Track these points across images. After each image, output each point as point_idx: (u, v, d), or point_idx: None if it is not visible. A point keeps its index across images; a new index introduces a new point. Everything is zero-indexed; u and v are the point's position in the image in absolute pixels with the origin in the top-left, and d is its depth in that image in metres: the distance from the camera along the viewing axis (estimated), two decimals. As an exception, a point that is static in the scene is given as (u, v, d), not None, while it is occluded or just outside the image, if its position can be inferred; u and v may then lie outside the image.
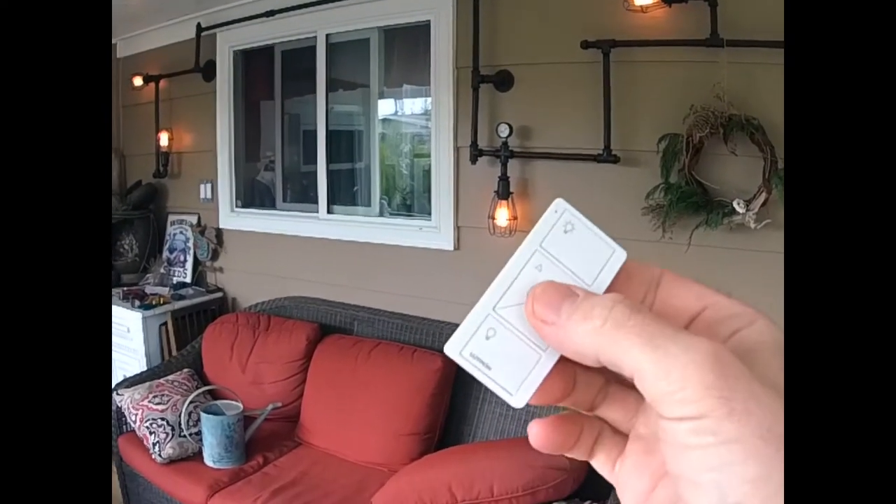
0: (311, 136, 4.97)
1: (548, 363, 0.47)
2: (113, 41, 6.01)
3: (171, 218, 5.83)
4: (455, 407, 3.92)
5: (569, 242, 0.49)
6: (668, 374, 0.40)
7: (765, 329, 0.45)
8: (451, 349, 0.47)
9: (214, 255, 5.51)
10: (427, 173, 4.44)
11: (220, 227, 5.49)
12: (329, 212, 4.91)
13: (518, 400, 0.47)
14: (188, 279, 5.58)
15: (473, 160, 3.96)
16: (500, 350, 0.47)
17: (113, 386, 4.16)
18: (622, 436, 0.50)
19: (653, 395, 0.41)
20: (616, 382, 0.50)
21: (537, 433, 0.49)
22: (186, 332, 5.12)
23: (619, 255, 0.49)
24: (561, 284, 0.47)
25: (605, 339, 0.43)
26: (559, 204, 0.50)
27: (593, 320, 0.43)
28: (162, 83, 5.66)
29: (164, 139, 5.67)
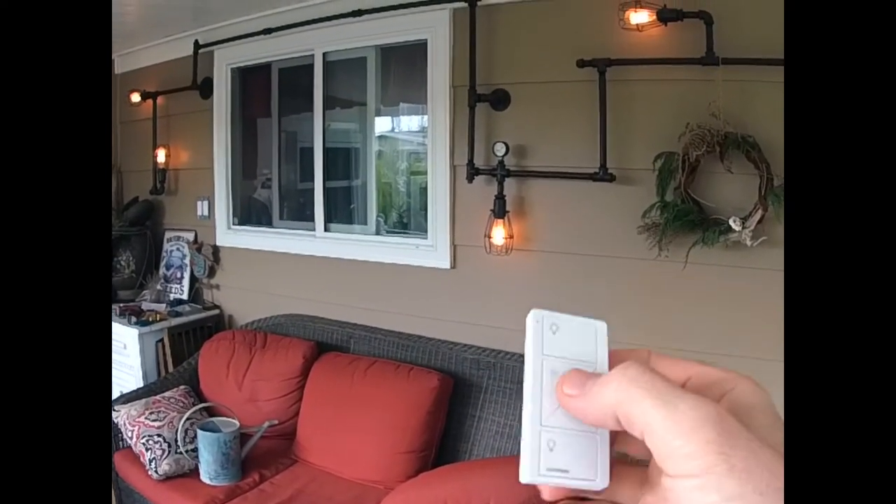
0: (308, 153, 4.97)
1: (605, 440, 0.52)
2: (111, 58, 6.02)
3: (167, 235, 5.83)
4: (451, 425, 3.91)
5: (561, 339, 0.54)
6: (675, 429, 0.43)
7: (750, 390, 0.48)
8: (528, 476, 0.50)
9: (211, 273, 5.51)
10: (423, 191, 4.44)
11: (217, 244, 5.49)
12: (326, 230, 4.91)
13: (602, 482, 0.51)
14: (185, 296, 5.58)
15: (470, 179, 3.97)
16: (567, 452, 0.51)
17: (109, 403, 4.16)
18: None
19: (660, 450, 0.44)
20: (620, 464, 0.53)
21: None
22: (183, 348, 5.11)
23: (601, 326, 0.56)
24: (584, 371, 0.52)
25: (622, 395, 0.46)
26: (537, 314, 0.54)
27: (611, 383, 0.48)
28: (159, 100, 5.67)
29: (161, 156, 5.68)
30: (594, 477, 0.51)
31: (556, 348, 0.53)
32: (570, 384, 0.50)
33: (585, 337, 0.54)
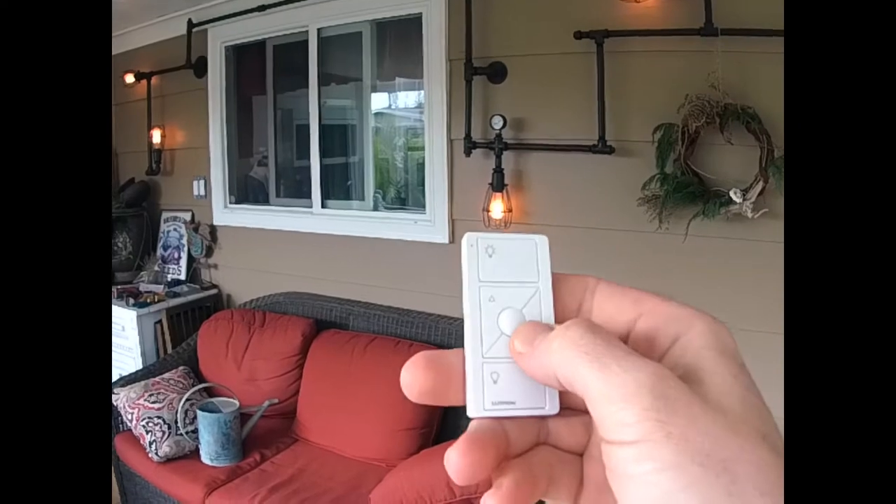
0: (304, 130, 4.95)
1: None
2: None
3: (164, 215, 5.81)
4: (452, 401, 3.89)
5: (497, 262, 0.51)
6: (611, 394, 0.41)
7: (706, 332, 0.45)
8: (474, 411, 0.48)
9: (209, 252, 5.49)
10: (421, 166, 4.43)
11: (214, 223, 5.48)
12: (323, 206, 4.89)
13: (551, 407, 0.49)
14: (183, 276, 5.56)
15: (467, 153, 3.94)
16: (512, 383, 0.48)
17: (108, 385, 4.15)
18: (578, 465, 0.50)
19: (597, 416, 0.42)
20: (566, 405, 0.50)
21: (455, 463, 0.47)
22: (181, 329, 5.10)
23: (541, 241, 0.53)
24: (538, 324, 0.49)
25: (560, 357, 0.44)
26: (469, 237, 0.52)
27: (553, 342, 0.45)
28: (154, 80, 5.64)
29: (156, 136, 5.65)
30: (543, 404, 0.49)
31: (494, 273, 0.51)
32: (522, 339, 0.47)
33: (525, 256, 0.52)
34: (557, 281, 0.51)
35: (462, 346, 0.49)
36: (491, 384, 0.48)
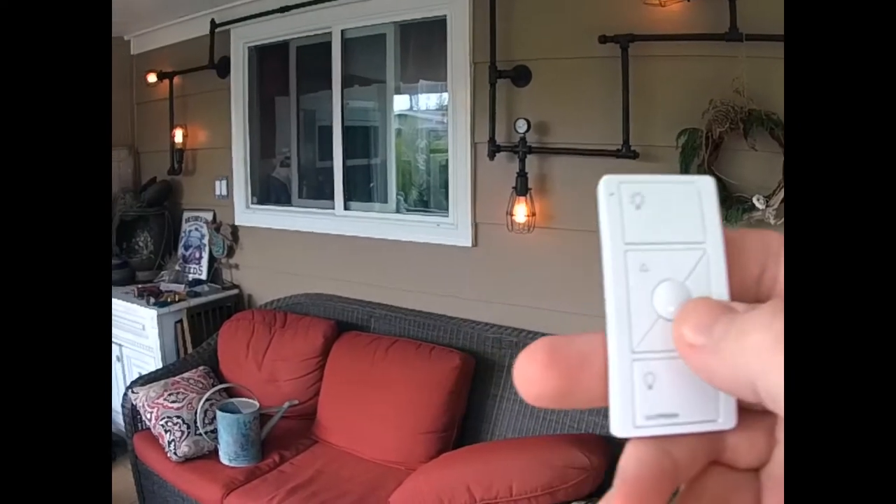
0: (327, 132, 4.94)
1: None
2: (126, 38, 6.02)
3: (186, 215, 5.82)
4: (473, 404, 3.89)
5: (649, 215, 0.39)
6: None
7: None
8: (622, 428, 0.37)
9: (230, 252, 5.49)
10: (444, 169, 4.41)
11: (236, 223, 5.48)
12: (345, 208, 4.89)
13: (727, 420, 0.37)
14: (204, 276, 5.57)
15: (491, 156, 3.93)
16: (673, 388, 0.37)
17: (128, 384, 4.16)
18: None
19: None
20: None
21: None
22: (202, 329, 5.11)
23: (706, 185, 0.40)
24: (714, 301, 0.37)
25: (766, 360, 0.32)
26: (609, 182, 0.39)
27: (751, 335, 0.33)
28: (176, 80, 5.65)
29: (178, 136, 5.65)
30: (715, 415, 0.37)
31: (645, 231, 0.38)
32: (694, 326, 0.35)
33: (685, 206, 0.39)
34: (730, 240, 0.39)
35: (601, 332, 0.38)
36: (644, 390, 0.37)
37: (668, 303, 0.37)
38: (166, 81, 5.67)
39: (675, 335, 0.36)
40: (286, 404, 4.06)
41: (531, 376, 0.37)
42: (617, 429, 0.37)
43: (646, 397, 0.36)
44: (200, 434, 3.84)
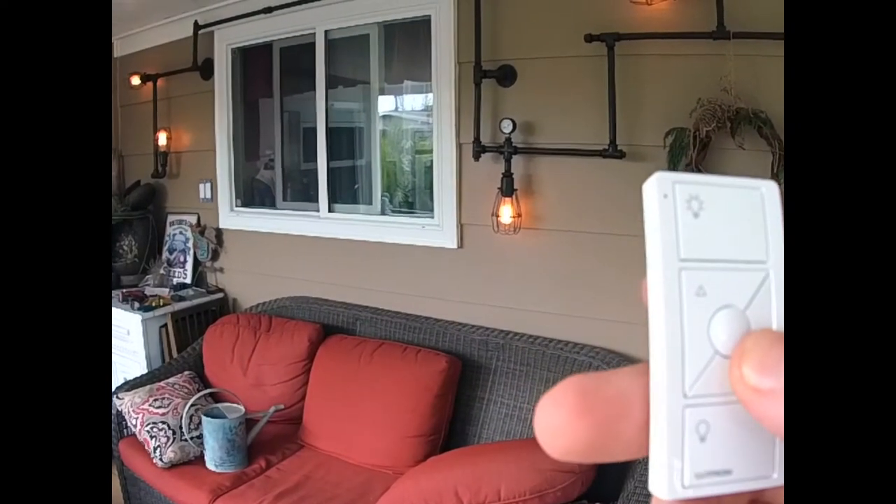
0: (311, 133, 4.92)
1: None
2: (110, 40, 5.98)
3: (170, 218, 5.79)
4: (459, 408, 3.87)
5: (707, 224, 0.33)
6: None
7: None
8: (669, 490, 0.31)
9: (215, 256, 5.47)
10: (429, 170, 4.40)
11: (220, 226, 5.46)
12: (330, 210, 4.86)
13: (783, 475, 0.32)
14: (188, 280, 5.55)
15: (476, 157, 3.91)
16: (727, 440, 0.32)
17: (113, 389, 4.13)
18: None
19: None
20: None
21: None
22: (187, 333, 5.08)
23: (769, 190, 0.34)
24: (779, 335, 0.31)
25: None
26: (662, 180, 0.33)
27: None
28: (160, 82, 5.62)
29: (162, 139, 5.63)
30: (771, 470, 0.32)
31: (703, 244, 0.32)
32: (759, 366, 0.30)
33: (748, 217, 0.33)
34: None
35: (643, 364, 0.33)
36: (696, 442, 0.31)
37: (726, 336, 0.32)
38: (150, 84, 5.64)
39: (733, 376, 0.31)
40: (272, 409, 4.04)
41: (558, 426, 0.32)
42: (662, 490, 0.31)
43: (697, 452, 0.31)
44: (186, 440, 3.81)
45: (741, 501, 0.33)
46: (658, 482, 0.31)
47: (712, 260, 0.32)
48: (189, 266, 5.59)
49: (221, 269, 5.49)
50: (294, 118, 5.37)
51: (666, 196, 0.32)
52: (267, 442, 4.00)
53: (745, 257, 0.33)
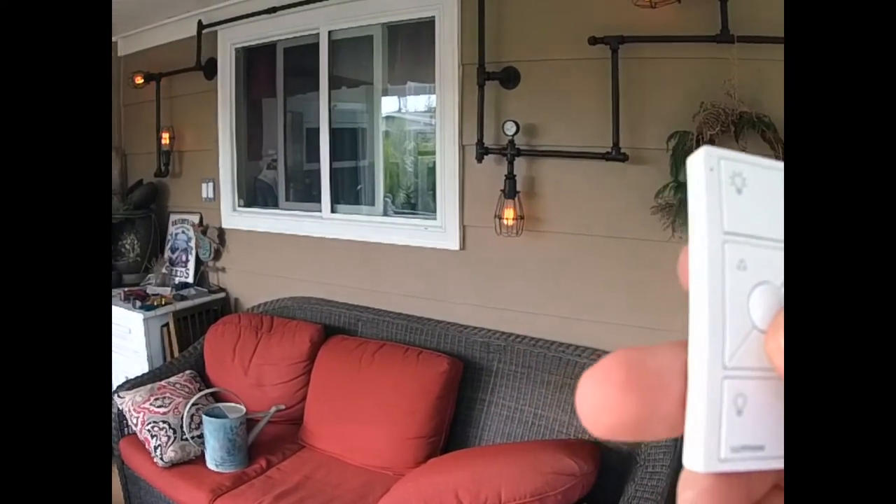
0: (314, 134, 4.92)
1: None
2: (113, 39, 5.98)
3: (172, 217, 5.80)
4: (460, 409, 3.87)
5: (750, 201, 0.33)
6: None
7: None
8: (707, 462, 0.31)
9: (216, 255, 5.47)
10: (432, 171, 4.40)
11: (223, 226, 5.46)
12: (332, 211, 4.86)
13: None
14: (190, 279, 5.55)
15: (479, 158, 3.91)
16: (761, 414, 0.32)
17: (114, 388, 4.12)
18: None
19: None
20: None
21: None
22: (188, 332, 5.08)
23: None
24: None
25: None
26: (709, 154, 0.34)
27: None
28: (163, 81, 5.62)
29: (165, 138, 5.63)
30: None
31: (746, 220, 0.33)
32: None
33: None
34: None
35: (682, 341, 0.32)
36: (733, 415, 0.31)
37: (766, 311, 0.32)
38: (153, 83, 5.64)
39: (770, 349, 0.32)
40: (273, 409, 4.04)
41: (605, 403, 0.31)
42: (698, 463, 0.31)
43: (734, 425, 0.31)
44: (187, 439, 3.81)
45: (767, 481, 0.33)
46: (694, 455, 0.31)
47: (752, 236, 0.33)
48: (191, 265, 5.59)
49: (223, 269, 5.49)
50: (297, 118, 5.38)
51: (712, 170, 0.33)
52: (267, 442, 4.00)
53: (781, 237, 0.33)
